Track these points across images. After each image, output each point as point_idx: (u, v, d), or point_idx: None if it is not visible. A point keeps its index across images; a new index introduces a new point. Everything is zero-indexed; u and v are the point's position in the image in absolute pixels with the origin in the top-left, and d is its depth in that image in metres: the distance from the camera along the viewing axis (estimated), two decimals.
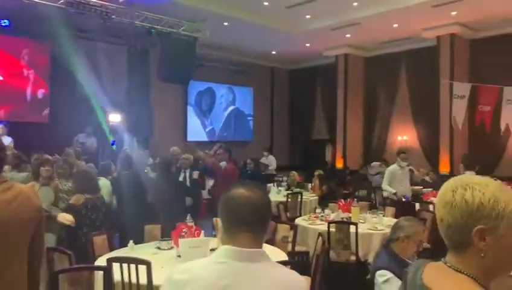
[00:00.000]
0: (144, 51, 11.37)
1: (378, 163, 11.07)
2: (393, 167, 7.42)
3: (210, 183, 7.41)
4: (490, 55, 11.09)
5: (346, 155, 13.71)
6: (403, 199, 7.03)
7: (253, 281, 1.29)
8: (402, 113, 13.21)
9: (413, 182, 8.10)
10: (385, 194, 7.63)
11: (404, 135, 13.26)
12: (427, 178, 9.78)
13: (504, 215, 1.03)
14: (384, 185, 7.38)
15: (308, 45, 13.21)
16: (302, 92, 15.69)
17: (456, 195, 1.07)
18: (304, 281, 1.44)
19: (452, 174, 10.55)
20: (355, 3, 9.97)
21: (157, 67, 10.81)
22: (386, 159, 12.62)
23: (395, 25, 11.08)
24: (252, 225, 1.35)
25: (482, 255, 1.04)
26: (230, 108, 14.81)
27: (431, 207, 6.53)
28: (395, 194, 7.17)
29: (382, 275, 2.59)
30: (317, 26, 11.25)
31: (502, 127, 10.11)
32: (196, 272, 1.30)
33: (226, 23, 10.94)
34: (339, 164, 13.80)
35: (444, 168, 11.11)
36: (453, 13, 10.22)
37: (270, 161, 12.32)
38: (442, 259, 1.13)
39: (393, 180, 7.19)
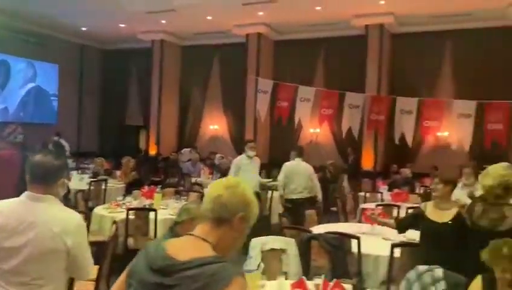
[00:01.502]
0: None
1: (188, 149, 11.34)
2: (239, 157, 6.99)
3: None
4: (291, 56, 12.47)
5: (160, 142, 13.68)
6: None
7: (36, 212, 2.02)
8: (214, 103, 13.84)
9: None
10: None
11: (215, 124, 13.91)
12: None
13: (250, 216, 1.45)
14: (229, 176, 7.05)
15: (122, 25, 12.64)
16: (116, 74, 14.95)
17: (240, 185, 1.44)
18: (77, 217, 2.12)
19: None
20: None
21: None
22: (198, 147, 13.11)
23: (209, 18, 11.46)
24: (39, 178, 2.07)
25: (237, 235, 1.41)
26: (30, 85, 13.08)
27: None
28: None
29: None
30: (132, 7, 10.81)
31: (296, 121, 11.51)
32: (4, 205, 2.06)
33: None
34: (152, 151, 13.68)
35: None
36: (260, 13, 11.12)
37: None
38: (187, 233, 1.40)
39: (239, 171, 6.70)
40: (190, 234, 1.38)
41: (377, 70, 11.00)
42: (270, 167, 10.69)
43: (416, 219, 3.47)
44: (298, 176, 6.39)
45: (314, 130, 12.28)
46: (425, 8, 10.01)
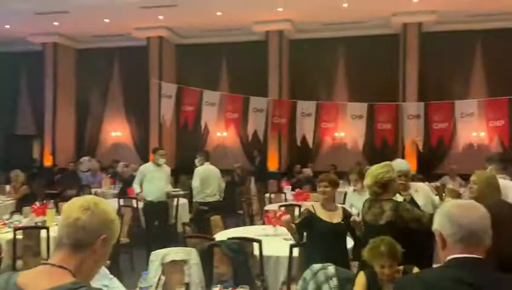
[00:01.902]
0: None
1: (87, 158, 10.71)
2: (146, 165, 6.86)
3: None
4: (194, 60, 12.37)
5: (56, 151, 12.73)
6: (145, 200, 6.55)
7: None
8: (115, 109, 13.23)
9: None
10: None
11: (117, 131, 13.31)
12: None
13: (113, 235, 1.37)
14: (134, 184, 6.75)
15: (7, 26, 11.54)
16: (3, 79, 13.57)
17: (99, 205, 1.33)
18: None
19: None
20: None
21: None
22: (98, 155, 12.45)
23: (107, 20, 10.94)
24: None
25: (98, 258, 1.33)
26: None
27: (134, 203, 6.79)
28: (137, 194, 6.64)
29: None
30: (19, 7, 9.91)
31: (202, 125, 11.48)
32: None
33: None
34: (48, 162, 12.69)
35: None
36: (161, 17, 10.88)
37: None
38: (43, 261, 1.31)
39: (144, 179, 6.56)
40: (46, 263, 1.28)
41: (278, 75, 11.37)
42: (178, 173, 10.53)
43: (311, 221, 3.63)
44: (212, 179, 6.55)
45: (221, 134, 12.33)
46: (319, 16, 10.58)
